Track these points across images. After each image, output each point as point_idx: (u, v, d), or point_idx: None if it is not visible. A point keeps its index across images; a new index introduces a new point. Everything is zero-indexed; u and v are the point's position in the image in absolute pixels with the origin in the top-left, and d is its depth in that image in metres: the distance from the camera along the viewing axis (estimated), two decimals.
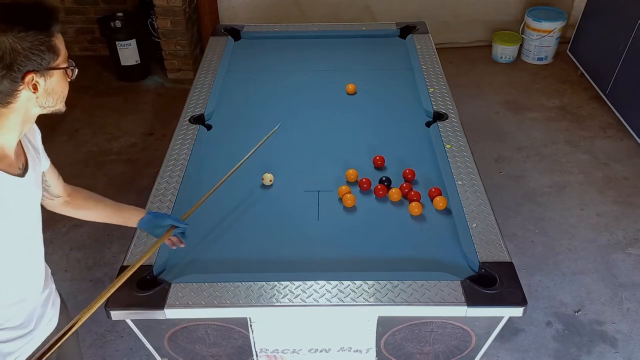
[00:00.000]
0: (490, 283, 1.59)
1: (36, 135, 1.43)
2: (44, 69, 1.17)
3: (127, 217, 1.65)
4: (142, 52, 4.36)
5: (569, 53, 4.40)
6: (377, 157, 2.14)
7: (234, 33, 3.08)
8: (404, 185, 2.00)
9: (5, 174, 1.21)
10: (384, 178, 2.02)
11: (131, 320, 1.62)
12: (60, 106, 1.27)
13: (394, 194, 1.96)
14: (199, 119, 2.37)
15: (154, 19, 4.29)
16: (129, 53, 4.30)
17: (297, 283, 1.61)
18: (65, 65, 1.22)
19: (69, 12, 4.59)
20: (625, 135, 3.71)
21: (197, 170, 2.11)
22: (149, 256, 1.57)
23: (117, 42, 4.25)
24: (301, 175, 2.10)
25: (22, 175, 1.28)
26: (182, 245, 1.70)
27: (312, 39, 3.07)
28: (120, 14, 4.32)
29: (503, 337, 2.50)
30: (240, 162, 1.92)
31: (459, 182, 1.99)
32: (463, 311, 1.54)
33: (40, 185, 1.40)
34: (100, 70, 4.58)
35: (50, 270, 1.54)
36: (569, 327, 2.56)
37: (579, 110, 4.04)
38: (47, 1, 1.21)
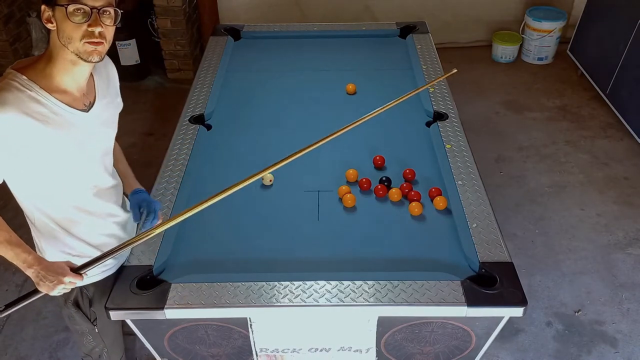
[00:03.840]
0: (491, 283, 1.59)
1: (114, 78, 1.62)
2: (52, 4, 1.31)
3: (129, 183, 1.78)
4: (142, 52, 4.36)
5: (569, 53, 4.40)
6: (377, 157, 2.14)
7: (234, 33, 3.08)
8: (404, 185, 2.00)
9: (64, 105, 1.38)
10: (384, 178, 2.02)
11: (131, 320, 1.62)
12: (75, 47, 1.32)
13: (394, 194, 1.96)
14: (199, 119, 2.37)
15: (154, 18, 4.29)
16: (129, 53, 4.30)
17: (297, 283, 1.61)
18: (63, 3, 1.29)
19: None
20: (625, 135, 3.71)
21: (197, 170, 2.11)
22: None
23: (117, 42, 4.24)
24: (301, 175, 2.10)
25: (87, 110, 1.44)
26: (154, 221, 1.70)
27: (312, 39, 3.07)
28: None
29: (503, 337, 2.50)
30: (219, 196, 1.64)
31: (459, 182, 1.99)
32: (463, 311, 1.54)
33: (109, 123, 1.57)
34: None
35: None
36: (569, 327, 2.56)
37: (579, 110, 4.04)
38: None
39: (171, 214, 1.86)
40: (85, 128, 1.44)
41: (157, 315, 1.55)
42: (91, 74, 1.48)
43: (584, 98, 4.16)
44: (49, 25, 1.33)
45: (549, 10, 4.51)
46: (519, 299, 1.54)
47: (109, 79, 1.59)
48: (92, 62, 1.36)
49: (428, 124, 2.35)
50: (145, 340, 1.73)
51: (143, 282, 1.61)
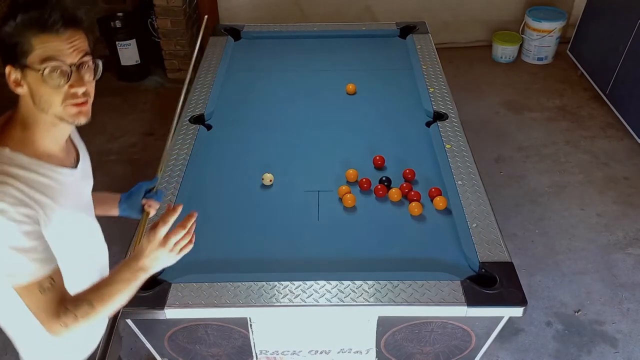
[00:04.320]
0: (490, 283, 1.59)
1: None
2: (19, 65, 1.11)
3: (108, 208, 1.57)
4: (142, 52, 4.36)
5: (569, 53, 4.40)
6: (377, 157, 2.14)
7: (234, 33, 3.08)
8: (404, 185, 2.00)
9: (61, 169, 1.24)
10: (384, 178, 2.02)
11: (131, 320, 1.62)
12: (57, 112, 1.15)
13: (394, 194, 1.96)
14: (199, 119, 2.37)
15: (154, 19, 4.29)
16: (129, 53, 4.30)
17: (297, 283, 1.61)
18: (37, 67, 1.10)
19: None
20: (625, 135, 3.71)
21: (197, 170, 2.11)
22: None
23: (117, 42, 4.24)
24: (301, 175, 2.10)
25: (75, 167, 1.31)
26: (157, 205, 1.56)
27: (312, 39, 3.07)
28: (120, 14, 4.32)
29: (503, 337, 2.50)
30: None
31: (459, 182, 1.99)
32: (463, 311, 1.54)
33: (90, 175, 1.43)
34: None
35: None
36: (569, 327, 2.56)
37: (579, 110, 4.04)
38: (52, 2, 1.12)
39: None
40: (78, 186, 1.31)
41: (157, 315, 1.55)
42: None
43: (583, 98, 4.16)
44: (18, 90, 1.14)
45: (549, 10, 4.51)
46: (519, 299, 1.54)
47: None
48: (79, 124, 1.19)
49: (428, 124, 2.35)
50: (145, 340, 1.73)
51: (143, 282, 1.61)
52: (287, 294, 1.58)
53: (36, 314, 1.16)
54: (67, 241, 1.26)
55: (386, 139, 2.29)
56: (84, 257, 1.37)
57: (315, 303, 1.56)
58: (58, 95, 1.14)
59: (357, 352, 1.73)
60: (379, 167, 2.14)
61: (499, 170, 3.48)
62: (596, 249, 2.94)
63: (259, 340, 1.69)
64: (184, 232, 1.27)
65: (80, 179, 1.32)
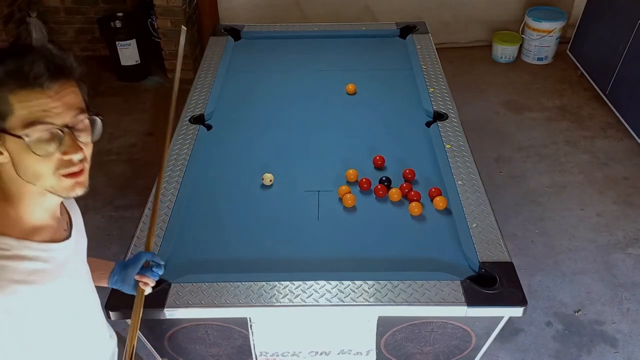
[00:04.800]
0: (490, 283, 1.59)
1: None
2: None
3: (100, 274, 1.38)
4: (142, 52, 4.36)
5: (569, 53, 4.40)
6: (377, 157, 2.14)
7: (234, 33, 3.08)
8: (404, 185, 2.00)
9: (51, 245, 1.04)
10: (384, 178, 2.02)
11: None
12: (47, 185, 0.97)
13: (394, 194, 1.96)
14: (199, 119, 2.37)
15: (154, 19, 4.29)
16: (129, 53, 4.30)
17: (297, 283, 1.61)
18: (18, 133, 0.90)
19: (69, 12, 4.60)
20: (625, 135, 3.71)
21: (197, 170, 2.11)
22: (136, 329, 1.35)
23: (117, 42, 4.25)
24: (301, 175, 2.10)
25: (69, 235, 1.11)
26: (152, 282, 1.38)
27: (312, 39, 3.07)
28: (120, 14, 4.32)
29: (503, 337, 2.50)
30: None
31: (459, 182, 1.99)
32: (463, 311, 1.54)
33: (84, 232, 1.23)
34: (100, 70, 4.58)
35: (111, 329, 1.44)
36: (569, 327, 2.56)
37: (579, 110, 4.04)
38: (36, 50, 0.93)
39: (171, 213, 1.86)
40: (71, 257, 1.12)
41: (157, 315, 1.55)
42: None
43: (583, 98, 4.16)
44: None
45: (549, 10, 4.51)
46: (518, 299, 1.54)
47: None
48: (75, 196, 1.01)
49: (428, 124, 2.35)
50: (145, 340, 1.73)
51: None
52: (287, 294, 1.58)
53: None
54: (49, 313, 1.07)
55: (386, 139, 2.29)
56: (70, 320, 1.16)
57: (315, 303, 1.56)
58: (48, 164, 0.94)
59: (357, 353, 1.73)
60: (379, 167, 2.14)
61: (499, 170, 3.48)
62: (596, 249, 2.94)
63: (258, 340, 1.69)
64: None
65: (74, 248, 1.12)
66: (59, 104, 0.92)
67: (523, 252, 2.91)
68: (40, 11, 4.52)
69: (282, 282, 1.61)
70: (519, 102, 4.15)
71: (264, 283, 1.60)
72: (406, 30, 3.09)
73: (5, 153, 0.92)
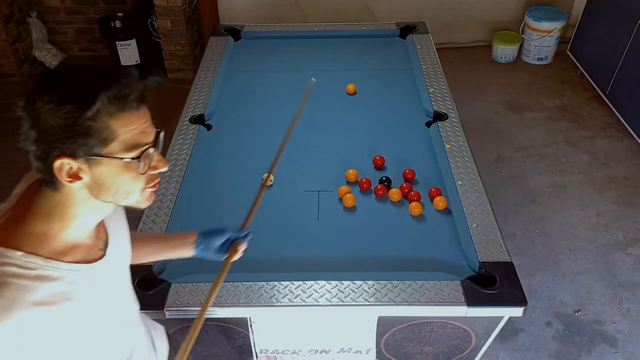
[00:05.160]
0: (490, 283, 1.59)
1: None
2: (85, 155, 0.90)
3: (177, 244, 1.41)
4: (142, 52, 4.36)
5: (569, 53, 4.40)
6: (377, 157, 2.14)
7: (234, 33, 3.08)
8: (404, 185, 2.00)
9: (81, 265, 1.01)
10: (384, 178, 2.02)
11: None
12: (130, 202, 0.99)
13: (394, 194, 1.96)
14: (199, 119, 2.37)
15: (154, 19, 4.29)
16: (129, 53, 4.30)
17: (297, 283, 1.61)
18: (120, 156, 0.92)
19: (69, 12, 4.60)
20: (625, 135, 3.71)
21: (197, 170, 2.11)
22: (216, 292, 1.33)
23: (117, 42, 4.25)
24: (301, 175, 2.10)
25: (103, 254, 1.08)
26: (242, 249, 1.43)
27: (312, 39, 3.07)
28: (120, 14, 4.32)
29: (503, 337, 2.50)
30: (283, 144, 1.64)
31: (459, 182, 1.99)
32: (463, 311, 1.54)
33: (125, 246, 1.20)
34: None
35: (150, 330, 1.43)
36: (569, 327, 2.56)
37: (579, 110, 4.04)
38: (127, 73, 0.94)
39: (171, 213, 1.86)
40: (107, 275, 1.09)
41: (157, 315, 1.55)
42: None
43: (583, 98, 4.16)
44: (74, 183, 0.92)
45: (549, 10, 4.51)
46: (518, 299, 1.55)
47: None
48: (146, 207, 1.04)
49: (428, 124, 2.35)
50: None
51: (143, 282, 1.61)
52: (287, 294, 1.58)
53: None
54: (80, 333, 1.04)
55: (386, 139, 2.29)
56: (102, 334, 1.13)
57: (315, 303, 1.56)
58: (141, 181, 0.97)
59: (357, 351, 1.73)
60: (379, 167, 2.14)
61: (499, 170, 3.48)
62: (596, 249, 2.94)
63: (259, 339, 1.69)
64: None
65: (108, 267, 1.09)
66: (148, 124, 0.96)
67: (523, 252, 2.91)
68: (40, 11, 4.52)
69: (282, 282, 1.61)
70: (519, 102, 4.15)
71: (264, 283, 1.61)
72: (406, 30, 3.09)
73: (87, 177, 0.93)
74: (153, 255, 1.44)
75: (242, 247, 1.42)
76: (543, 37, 4.44)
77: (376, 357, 1.75)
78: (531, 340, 2.51)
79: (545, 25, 4.38)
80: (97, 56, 4.73)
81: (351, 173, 2.06)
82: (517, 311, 1.55)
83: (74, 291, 0.99)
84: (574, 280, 2.77)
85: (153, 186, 1.01)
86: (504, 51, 4.59)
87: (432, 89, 2.53)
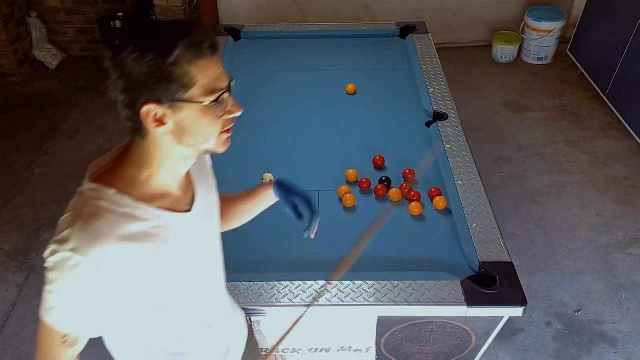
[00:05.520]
0: (490, 283, 1.59)
1: (207, 163, 1.31)
2: (169, 101, 0.97)
3: (259, 195, 1.46)
4: None
5: (569, 53, 4.40)
6: (377, 157, 2.14)
7: (234, 33, 3.08)
8: (404, 185, 2.00)
9: (168, 212, 1.08)
10: (384, 178, 2.02)
11: None
12: (209, 146, 1.04)
13: (394, 194, 1.96)
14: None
15: (154, 19, 4.29)
16: None
17: (297, 283, 1.61)
18: (200, 100, 0.98)
19: (69, 12, 4.60)
20: (625, 135, 3.71)
21: None
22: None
23: (117, 42, 4.24)
24: (301, 175, 2.10)
25: (190, 209, 1.14)
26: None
27: (312, 39, 3.07)
28: (120, 14, 4.32)
29: (503, 337, 2.50)
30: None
31: (459, 182, 1.99)
32: (463, 311, 1.54)
33: (213, 214, 1.26)
34: (100, 70, 4.55)
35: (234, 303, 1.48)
36: (569, 327, 2.56)
37: (579, 110, 4.04)
38: (200, 23, 1.00)
39: None
40: (192, 230, 1.15)
41: None
42: None
43: (583, 98, 4.16)
44: (160, 128, 0.99)
45: (549, 10, 4.51)
46: (518, 299, 1.55)
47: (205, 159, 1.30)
48: (222, 152, 1.08)
49: (428, 124, 2.36)
50: None
51: None
52: (287, 294, 1.58)
53: (40, 351, 1.06)
54: (162, 281, 1.10)
55: (386, 139, 2.29)
56: (182, 291, 1.18)
57: (315, 303, 1.56)
58: (219, 125, 1.02)
59: (357, 350, 1.74)
60: (379, 167, 2.14)
61: (499, 170, 3.48)
62: (596, 249, 2.94)
63: (258, 338, 1.69)
64: None
65: (193, 223, 1.15)
66: (222, 70, 1.02)
67: (523, 252, 2.91)
68: (40, 11, 4.52)
69: (282, 282, 1.61)
70: (519, 102, 4.15)
71: (264, 283, 1.61)
72: (406, 30, 3.09)
73: (171, 122, 0.99)
74: (241, 214, 1.47)
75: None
76: (543, 37, 4.44)
77: (376, 357, 1.75)
78: (531, 340, 2.51)
79: (545, 25, 4.38)
80: (97, 56, 4.73)
81: (351, 173, 2.06)
82: (517, 311, 1.55)
83: (159, 235, 1.05)
84: (574, 280, 2.77)
85: (227, 131, 1.05)
86: (504, 51, 4.59)
87: (432, 89, 2.53)
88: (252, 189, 1.47)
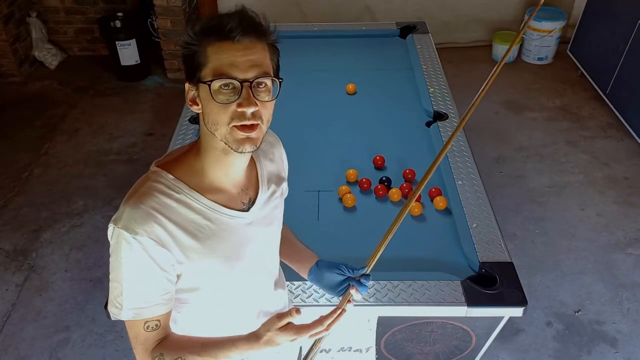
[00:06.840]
0: (491, 283, 1.59)
1: (280, 159, 1.35)
2: (192, 79, 1.02)
3: (301, 261, 1.42)
4: (142, 52, 4.36)
5: (569, 53, 4.40)
6: (377, 157, 2.14)
7: None
8: (404, 185, 2.00)
9: (220, 207, 1.09)
10: (384, 178, 2.02)
11: None
12: (222, 134, 1.02)
13: (394, 194, 1.96)
14: (198, 119, 2.36)
15: (154, 19, 4.29)
16: (129, 53, 4.30)
17: (297, 283, 1.61)
18: (207, 79, 0.99)
19: (69, 12, 4.60)
20: (625, 135, 3.71)
21: None
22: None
23: (117, 42, 4.25)
24: (301, 175, 2.09)
25: (246, 209, 1.15)
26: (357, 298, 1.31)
27: (312, 39, 3.07)
28: (120, 14, 4.32)
29: (503, 337, 2.50)
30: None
31: (459, 182, 1.99)
32: (463, 311, 1.54)
33: (274, 219, 1.26)
34: (100, 70, 4.58)
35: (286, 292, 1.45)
36: (569, 327, 2.56)
37: (579, 110, 4.04)
38: (247, 11, 1.04)
39: None
40: (245, 232, 1.15)
41: None
42: (252, 160, 1.19)
43: (584, 98, 4.16)
44: (195, 108, 1.05)
45: (549, 10, 4.51)
46: (519, 299, 1.54)
47: (275, 162, 1.32)
48: (244, 152, 1.04)
49: (428, 124, 2.35)
50: None
51: None
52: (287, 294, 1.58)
53: (133, 344, 1.10)
54: (210, 286, 1.13)
55: (386, 139, 2.29)
56: (232, 298, 1.20)
57: (315, 303, 1.56)
58: (225, 114, 1.00)
59: (357, 350, 1.73)
60: (379, 167, 2.14)
61: (499, 170, 3.48)
62: (596, 249, 2.94)
63: None
64: (322, 329, 1.18)
65: (248, 225, 1.15)
66: (245, 60, 0.99)
67: (523, 252, 2.91)
68: (40, 11, 4.52)
69: None
70: (519, 102, 4.15)
71: None
72: (406, 30, 3.09)
73: (199, 104, 1.04)
74: (283, 257, 1.42)
75: (357, 295, 1.28)
76: (543, 37, 4.44)
77: (376, 357, 1.75)
78: (531, 340, 2.51)
79: (546, 25, 4.38)
80: (97, 56, 4.74)
81: (351, 173, 2.06)
82: (517, 311, 1.55)
83: (208, 229, 1.08)
84: (574, 280, 2.77)
85: (241, 128, 1.01)
86: (504, 51, 4.59)
87: (432, 89, 2.53)
88: (301, 248, 1.45)
